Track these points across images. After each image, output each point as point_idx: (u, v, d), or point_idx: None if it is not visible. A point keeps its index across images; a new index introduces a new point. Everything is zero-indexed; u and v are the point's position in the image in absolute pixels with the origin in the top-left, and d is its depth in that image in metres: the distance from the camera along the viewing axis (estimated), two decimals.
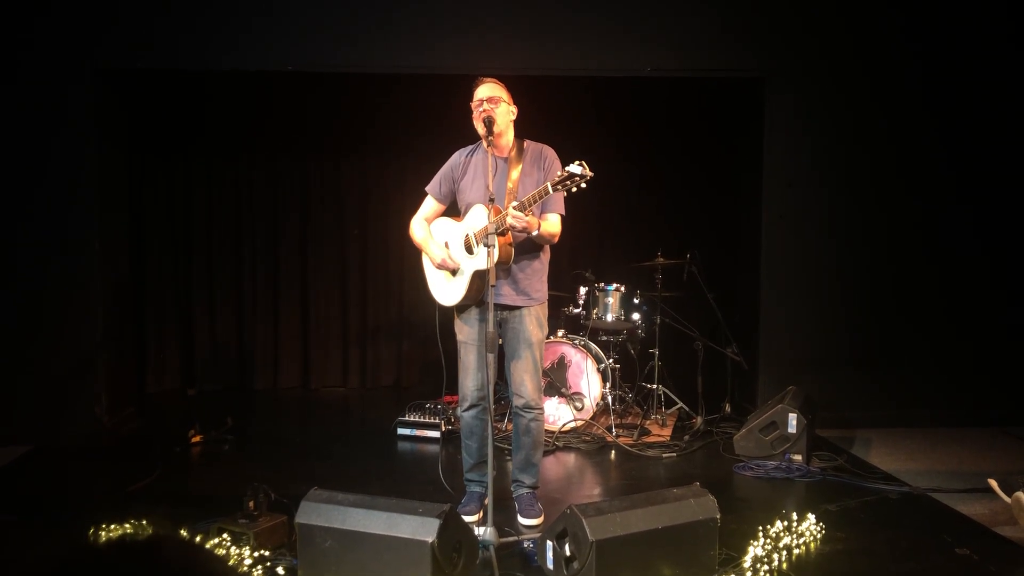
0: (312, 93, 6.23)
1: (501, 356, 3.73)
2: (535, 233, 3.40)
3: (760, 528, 3.39)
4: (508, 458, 4.38)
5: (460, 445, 3.83)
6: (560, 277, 4.91)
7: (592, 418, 5.22)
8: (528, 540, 3.33)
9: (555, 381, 5.23)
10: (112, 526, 3.25)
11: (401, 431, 5.14)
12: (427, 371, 6.70)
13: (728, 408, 5.48)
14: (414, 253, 3.94)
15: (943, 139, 5.43)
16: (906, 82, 5.40)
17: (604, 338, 5.50)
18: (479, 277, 3.48)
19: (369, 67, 5.24)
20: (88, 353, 5.12)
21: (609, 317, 5.41)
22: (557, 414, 5.23)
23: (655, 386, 5.43)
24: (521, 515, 3.66)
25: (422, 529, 2.79)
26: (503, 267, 3.48)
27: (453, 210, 3.78)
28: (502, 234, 3.34)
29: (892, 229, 5.47)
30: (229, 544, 3.16)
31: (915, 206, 5.46)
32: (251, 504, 3.26)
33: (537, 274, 3.64)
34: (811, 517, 3.52)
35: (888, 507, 3.90)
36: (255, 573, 3.02)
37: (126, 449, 4.96)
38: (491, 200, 3.26)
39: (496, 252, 3.23)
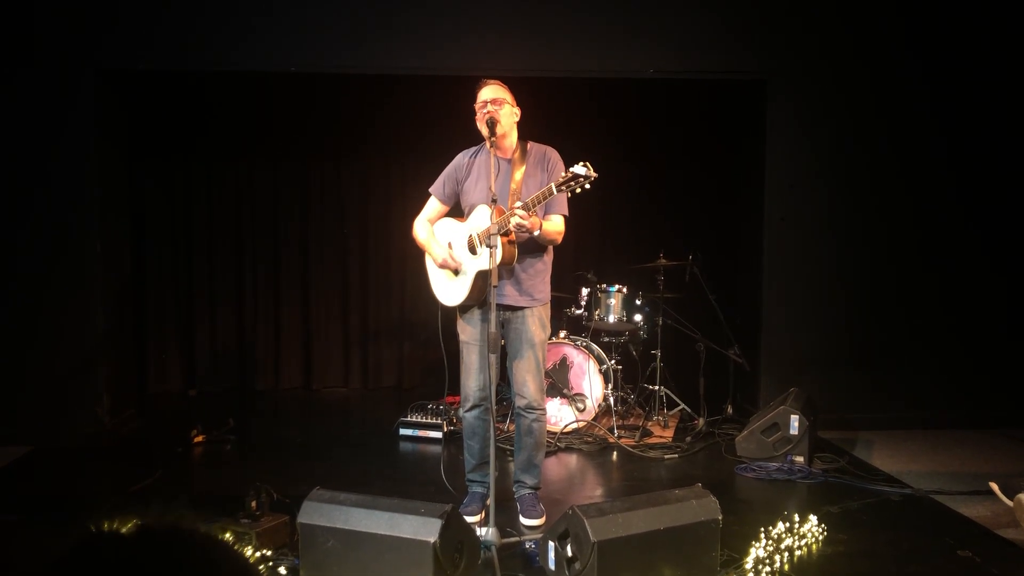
0: (313, 94, 6.23)
1: (503, 357, 3.73)
2: (537, 233, 3.41)
3: (762, 529, 3.39)
4: (510, 459, 4.37)
5: (462, 446, 3.83)
6: (562, 278, 4.91)
7: (594, 419, 5.22)
8: (530, 541, 3.33)
9: (557, 382, 5.23)
10: (115, 523, 3.25)
11: (403, 432, 5.14)
12: (429, 372, 6.70)
13: (730, 409, 5.48)
14: (416, 254, 3.95)
15: (944, 140, 5.43)
16: (907, 83, 5.40)
17: (606, 339, 5.50)
18: (482, 278, 3.49)
19: (370, 68, 5.24)
20: (89, 354, 5.12)
21: (611, 318, 5.41)
22: (559, 415, 5.23)
23: (657, 387, 5.43)
24: (523, 516, 3.66)
25: (424, 529, 2.79)
26: (506, 268, 3.48)
27: (457, 211, 3.78)
28: (505, 235, 3.35)
29: (893, 230, 5.47)
30: (231, 544, 3.15)
31: (916, 207, 5.46)
32: (253, 504, 3.26)
33: (540, 275, 3.64)
34: (813, 519, 3.52)
35: (890, 509, 3.90)
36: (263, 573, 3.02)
37: (127, 450, 4.97)
38: (493, 201, 3.27)
39: (499, 253, 3.24)
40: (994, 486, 3.70)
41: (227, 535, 3.17)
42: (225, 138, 6.52)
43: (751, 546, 3.24)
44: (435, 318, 3.76)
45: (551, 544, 2.99)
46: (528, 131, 3.71)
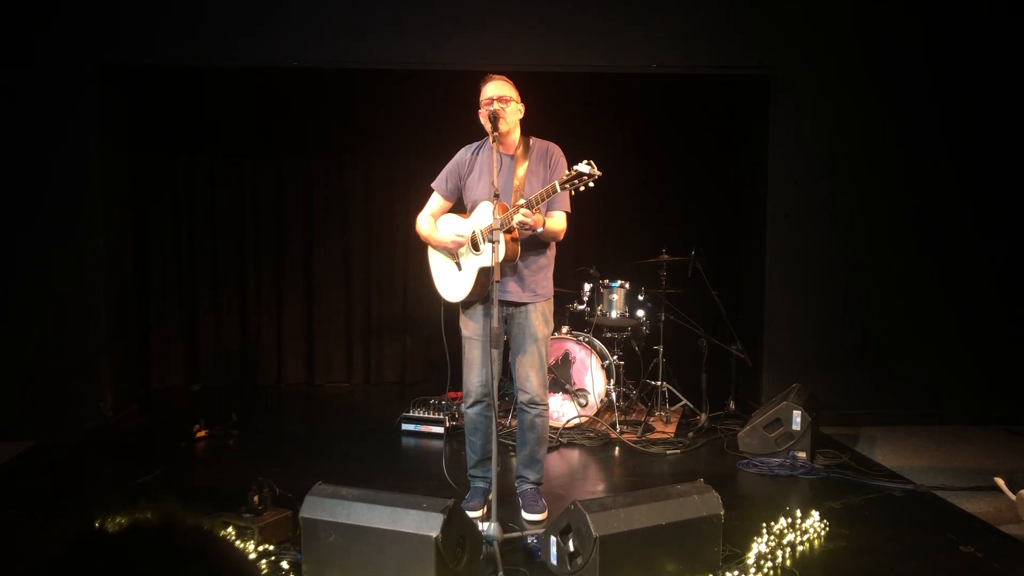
0: (317, 90, 6.22)
1: (506, 352, 3.73)
2: (540, 230, 3.41)
3: (764, 525, 3.39)
4: (512, 454, 4.38)
5: (464, 441, 3.84)
6: (565, 274, 4.91)
7: (596, 414, 5.22)
8: (532, 536, 3.33)
9: (559, 377, 5.23)
10: (119, 519, 3.26)
11: (405, 427, 5.15)
12: (431, 367, 6.71)
13: (732, 405, 5.48)
14: (419, 249, 3.95)
15: (948, 136, 5.41)
16: (911, 79, 5.38)
17: (608, 335, 5.50)
18: (485, 273, 3.49)
19: (374, 63, 5.24)
20: (93, 350, 5.13)
21: (613, 314, 5.41)
22: (561, 410, 5.23)
23: (659, 383, 5.43)
24: (525, 511, 3.66)
25: (426, 524, 2.79)
26: (509, 264, 3.48)
27: (460, 207, 3.78)
28: (508, 231, 3.34)
29: (896, 226, 5.45)
30: (234, 538, 3.17)
31: (920, 203, 5.44)
32: (256, 499, 3.27)
33: (543, 271, 3.64)
34: (815, 514, 3.53)
35: (892, 505, 3.90)
36: (260, 567, 3.03)
37: (131, 445, 4.98)
38: (496, 197, 3.27)
39: (502, 249, 3.24)
40: (1000, 481, 3.69)
41: (228, 530, 3.19)
42: (228, 133, 6.52)
43: (753, 541, 3.24)
44: (437, 314, 3.77)
45: (553, 539, 3.00)
46: (530, 126, 3.70)
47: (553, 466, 4.57)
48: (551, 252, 3.70)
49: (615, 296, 5.42)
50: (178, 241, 6.59)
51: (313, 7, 5.10)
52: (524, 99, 3.63)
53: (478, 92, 3.57)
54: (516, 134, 3.61)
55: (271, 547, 3.16)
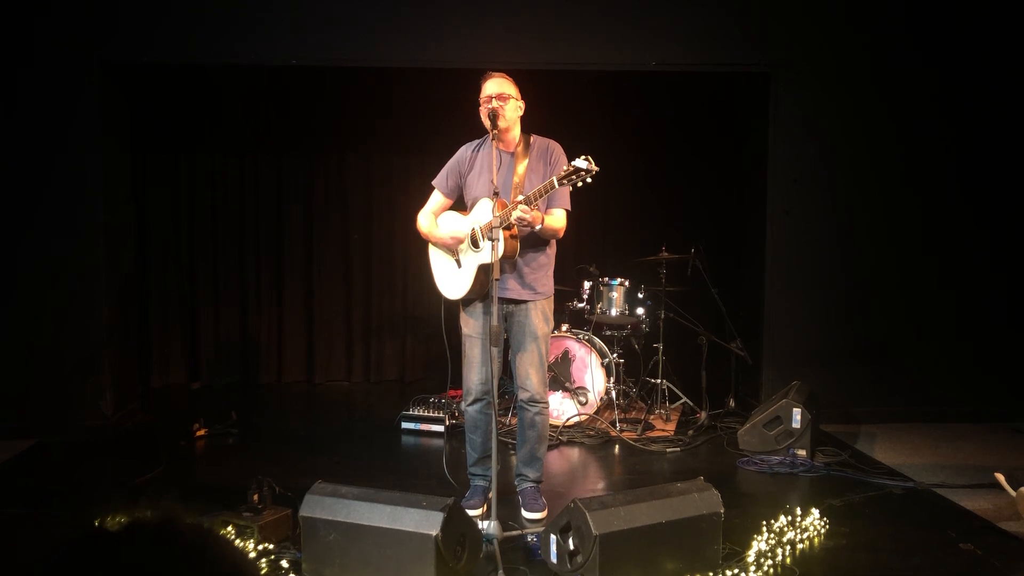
0: (317, 88, 6.22)
1: (506, 350, 3.73)
2: (539, 227, 3.41)
3: (764, 523, 3.40)
4: (512, 452, 4.38)
5: (464, 439, 3.84)
6: (564, 272, 4.91)
7: (596, 413, 5.22)
8: (532, 534, 3.33)
9: (559, 375, 5.23)
10: (119, 517, 3.27)
11: (405, 425, 5.15)
12: (431, 365, 6.71)
13: (732, 403, 5.48)
14: (419, 248, 3.94)
15: (949, 135, 5.40)
16: (912, 77, 5.37)
17: (608, 333, 5.49)
18: (484, 271, 3.48)
19: (375, 61, 5.23)
20: (93, 348, 5.13)
21: (613, 312, 5.40)
22: (561, 408, 5.23)
23: (659, 381, 5.42)
24: (525, 509, 3.66)
25: (426, 523, 2.79)
26: (509, 261, 3.48)
27: (460, 205, 3.78)
28: (507, 228, 3.34)
29: (897, 224, 5.45)
30: (233, 537, 3.17)
31: (920, 202, 5.44)
32: (255, 497, 3.27)
33: (543, 268, 3.64)
34: (815, 512, 3.53)
35: (892, 502, 3.90)
36: (259, 566, 3.03)
37: (131, 443, 4.98)
38: (495, 194, 3.27)
39: (501, 246, 3.24)
40: (1000, 477, 3.69)
41: (228, 528, 3.19)
42: (229, 132, 6.51)
43: (753, 539, 3.24)
44: (438, 312, 3.77)
45: (553, 537, 3.00)
46: (530, 124, 3.70)
47: (553, 464, 4.57)
48: (551, 250, 3.69)
49: (615, 294, 5.41)
50: (178, 240, 6.59)
51: (313, 6, 5.09)
52: (524, 96, 3.63)
53: (478, 90, 3.56)
54: (516, 131, 3.60)
55: (271, 546, 3.16)
